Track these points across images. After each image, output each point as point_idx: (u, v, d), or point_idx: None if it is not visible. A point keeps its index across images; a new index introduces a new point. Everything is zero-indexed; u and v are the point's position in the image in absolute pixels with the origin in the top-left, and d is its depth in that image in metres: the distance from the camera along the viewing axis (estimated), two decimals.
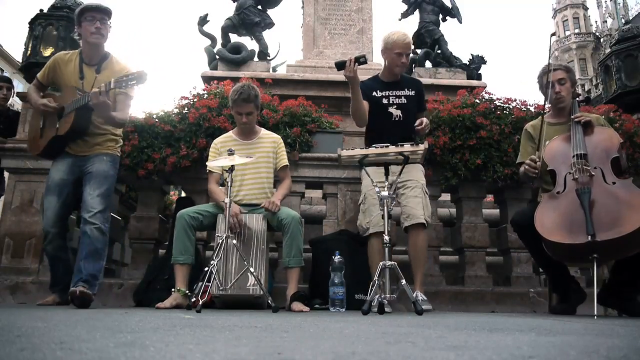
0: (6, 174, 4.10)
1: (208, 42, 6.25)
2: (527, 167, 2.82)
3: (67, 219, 3.10)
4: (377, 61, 5.66)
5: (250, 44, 6.27)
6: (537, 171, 2.77)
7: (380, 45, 3.26)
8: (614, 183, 2.56)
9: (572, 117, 2.84)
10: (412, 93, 3.25)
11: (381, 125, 3.20)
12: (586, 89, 30.18)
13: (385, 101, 3.20)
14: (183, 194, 4.48)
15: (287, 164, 3.28)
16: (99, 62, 3.05)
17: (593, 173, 2.59)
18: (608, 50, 5.84)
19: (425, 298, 2.98)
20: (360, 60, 2.89)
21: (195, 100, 3.78)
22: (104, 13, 2.99)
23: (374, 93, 3.22)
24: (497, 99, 3.91)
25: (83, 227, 2.87)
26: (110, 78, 2.88)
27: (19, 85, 14.96)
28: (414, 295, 2.71)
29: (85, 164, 3.00)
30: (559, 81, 2.93)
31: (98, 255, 2.87)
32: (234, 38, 6.30)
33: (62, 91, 3.06)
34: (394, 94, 3.21)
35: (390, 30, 3.24)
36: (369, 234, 3.06)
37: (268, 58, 6.18)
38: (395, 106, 3.19)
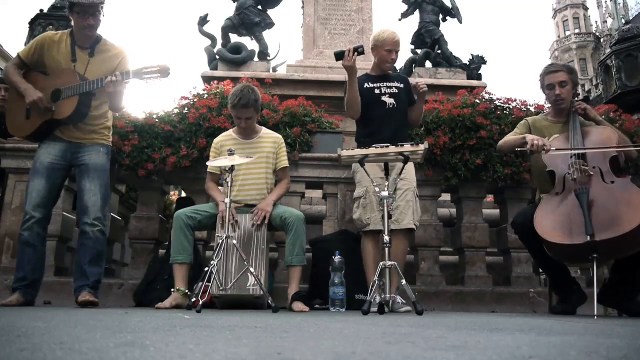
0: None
1: (208, 42, 6.26)
2: (535, 142, 2.66)
3: (52, 206, 2.94)
4: None
5: (250, 44, 6.29)
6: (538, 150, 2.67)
7: (369, 44, 3.31)
8: (612, 182, 2.56)
9: (572, 106, 2.88)
10: (402, 85, 3.28)
11: (375, 114, 3.20)
12: (586, 89, 30.13)
13: (377, 91, 3.21)
14: (183, 194, 4.48)
15: (287, 165, 3.25)
16: (92, 46, 2.93)
17: (591, 173, 2.59)
18: (608, 50, 5.86)
19: (404, 301, 2.92)
20: (359, 50, 2.97)
21: (195, 100, 3.78)
22: (95, 8, 2.81)
23: (365, 85, 3.23)
24: (497, 98, 3.93)
25: (84, 228, 2.83)
26: (105, 62, 2.82)
27: None
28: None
29: (80, 153, 2.91)
30: (560, 83, 2.91)
31: (101, 258, 2.90)
32: (234, 38, 6.32)
33: (52, 73, 2.87)
34: (385, 84, 3.24)
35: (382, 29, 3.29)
36: (366, 230, 3.05)
37: (268, 58, 6.19)
38: (387, 95, 3.20)
